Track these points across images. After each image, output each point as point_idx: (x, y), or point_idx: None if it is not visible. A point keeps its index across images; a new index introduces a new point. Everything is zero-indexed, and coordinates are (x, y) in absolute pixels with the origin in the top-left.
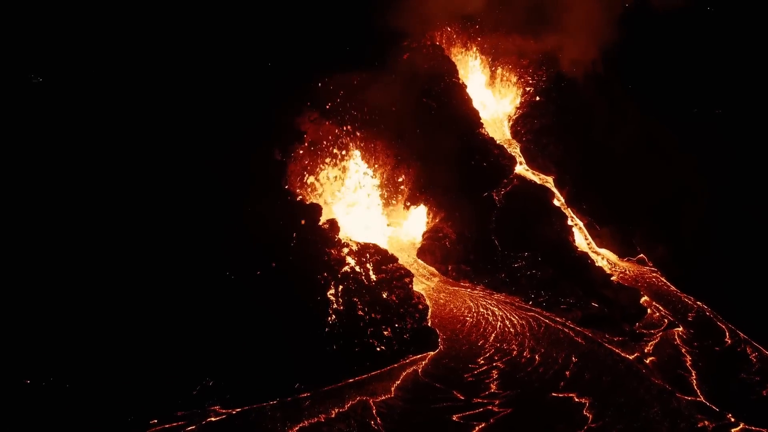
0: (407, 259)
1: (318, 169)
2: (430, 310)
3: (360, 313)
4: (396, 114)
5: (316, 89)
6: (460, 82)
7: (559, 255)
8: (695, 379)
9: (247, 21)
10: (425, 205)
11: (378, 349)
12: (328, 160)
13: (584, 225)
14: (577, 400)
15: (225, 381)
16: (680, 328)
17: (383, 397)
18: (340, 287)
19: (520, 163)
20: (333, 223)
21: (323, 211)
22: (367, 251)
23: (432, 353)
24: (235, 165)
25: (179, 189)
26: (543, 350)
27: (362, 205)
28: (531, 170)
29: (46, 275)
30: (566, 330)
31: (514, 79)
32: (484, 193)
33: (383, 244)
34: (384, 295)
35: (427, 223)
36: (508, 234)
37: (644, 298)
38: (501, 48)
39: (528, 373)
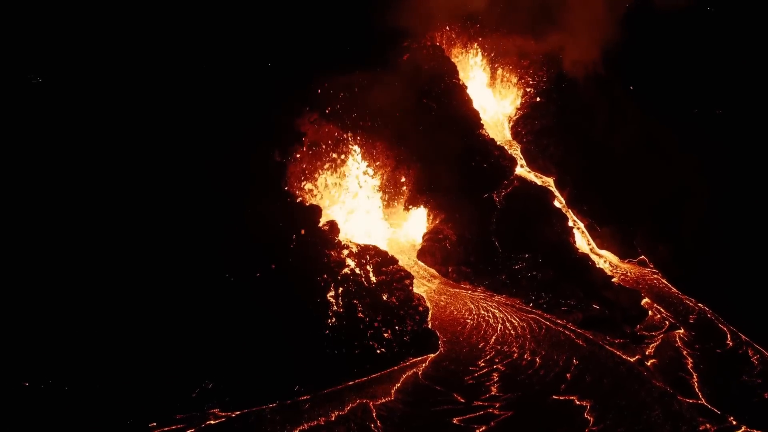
0: (407, 260)
1: (318, 173)
2: (430, 312)
3: (360, 315)
4: (396, 115)
5: (316, 90)
6: (461, 82)
7: (560, 257)
8: (697, 381)
9: (248, 21)
10: (425, 206)
11: (378, 351)
12: (328, 162)
13: (585, 226)
14: (578, 402)
15: (224, 384)
16: (681, 330)
17: (383, 400)
18: (340, 289)
19: (522, 166)
20: (333, 225)
21: (323, 213)
22: (367, 253)
23: (432, 355)
24: (235, 165)
25: (179, 189)
26: (544, 352)
27: (362, 206)
28: (531, 171)
29: (45, 277)
30: (567, 332)
31: (514, 79)
32: (484, 194)
33: (383, 246)
34: (384, 297)
35: (428, 224)
36: (509, 235)
37: (645, 300)
38: (501, 48)
39: (529, 376)
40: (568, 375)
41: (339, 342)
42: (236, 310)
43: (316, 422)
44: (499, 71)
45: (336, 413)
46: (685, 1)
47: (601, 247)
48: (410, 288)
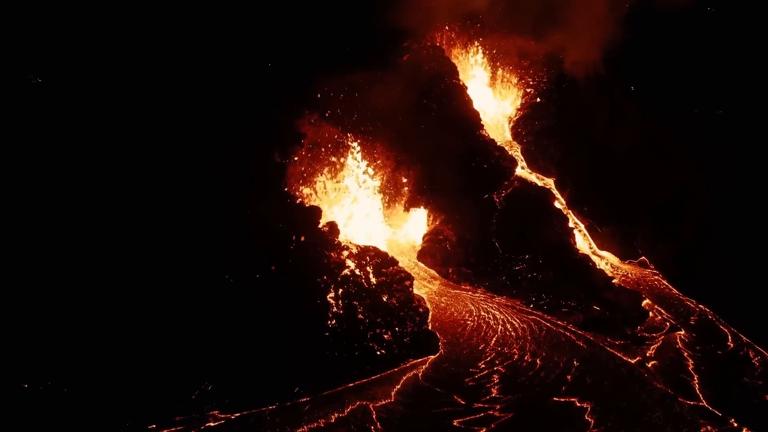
0: (407, 262)
1: (317, 174)
2: (430, 314)
3: (360, 316)
4: (396, 115)
5: (316, 91)
6: (461, 83)
7: (561, 258)
8: (697, 383)
9: (248, 21)
10: (425, 207)
11: (378, 353)
12: (327, 163)
13: (585, 227)
14: (578, 404)
15: (224, 385)
16: (682, 332)
17: (383, 402)
18: (340, 290)
19: (522, 168)
20: (333, 226)
21: (323, 214)
22: (367, 254)
23: (433, 357)
24: (235, 165)
25: (178, 189)
26: (544, 354)
27: (362, 207)
28: (532, 172)
29: (44, 278)
30: (567, 333)
31: (514, 80)
32: (484, 195)
33: (383, 247)
34: (384, 299)
35: (428, 225)
36: (509, 236)
37: (646, 302)
38: (501, 49)
39: (529, 378)
40: (569, 377)
41: (339, 343)
42: (236, 311)
43: (315, 424)
44: (500, 71)
45: (336, 415)
46: (686, 2)
47: (601, 248)
48: (410, 289)
